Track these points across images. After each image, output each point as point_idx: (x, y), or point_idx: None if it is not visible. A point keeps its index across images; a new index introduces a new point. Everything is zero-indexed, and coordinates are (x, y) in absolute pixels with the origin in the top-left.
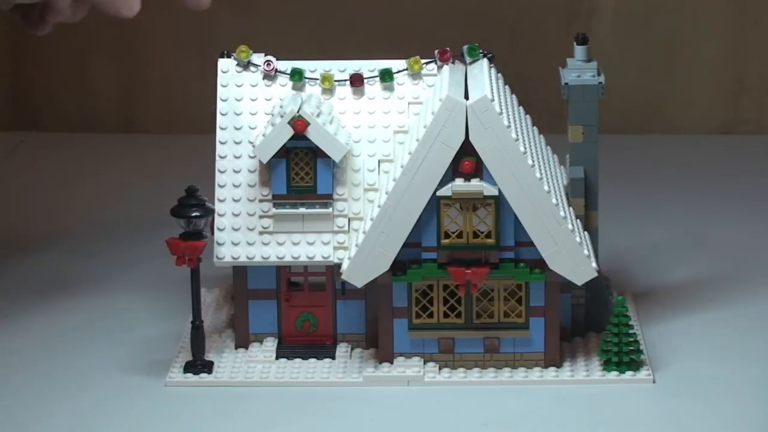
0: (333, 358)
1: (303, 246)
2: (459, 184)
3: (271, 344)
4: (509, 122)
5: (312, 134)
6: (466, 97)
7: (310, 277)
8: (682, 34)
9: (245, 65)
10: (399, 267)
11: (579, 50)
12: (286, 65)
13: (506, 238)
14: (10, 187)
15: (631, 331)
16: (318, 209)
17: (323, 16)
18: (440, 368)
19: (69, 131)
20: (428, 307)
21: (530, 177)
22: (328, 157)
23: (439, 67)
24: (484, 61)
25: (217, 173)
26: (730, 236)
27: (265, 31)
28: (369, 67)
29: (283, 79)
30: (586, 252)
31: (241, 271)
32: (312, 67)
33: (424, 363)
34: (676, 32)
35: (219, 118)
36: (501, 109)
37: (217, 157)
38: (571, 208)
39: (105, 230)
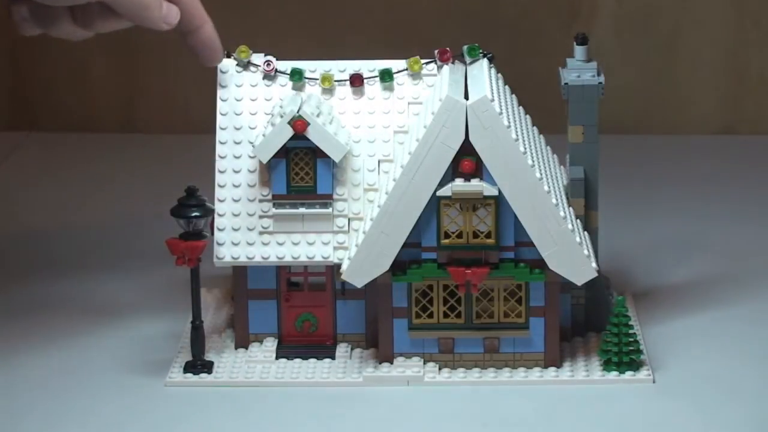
0: (333, 358)
1: (303, 246)
2: (459, 184)
3: (271, 344)
4: (509, 122)
5: (312, 134)
6: (466, 97)
7: (310, 277)
8: (682, 34)
9: (245, 65)
10: (399, 267)
11: (579, 50)
12: (286, 65)
13: (506, 238)
14: (10, 187)
15: (631, 331)
16: (318, 209)
17: (323, 16)
18: (440, 368)
19: (69, 131)
20: (428, 307)
21: (530, 177)
22: (328, 157)
23: (439, 67)
24: (484, 61)
25: (217, 173)
26: (730, 236)
27: (265, 31)
28: (369, 67)
29: (283, 79)
30: (586, 252)
31: (241, 271)
32: (312, 67)
33: (424, 363)
34: (676, 32)
35: (219, 118)
36: (501, 109)
37: (217, 157)
38: (571, 208)
39: (105, 230)
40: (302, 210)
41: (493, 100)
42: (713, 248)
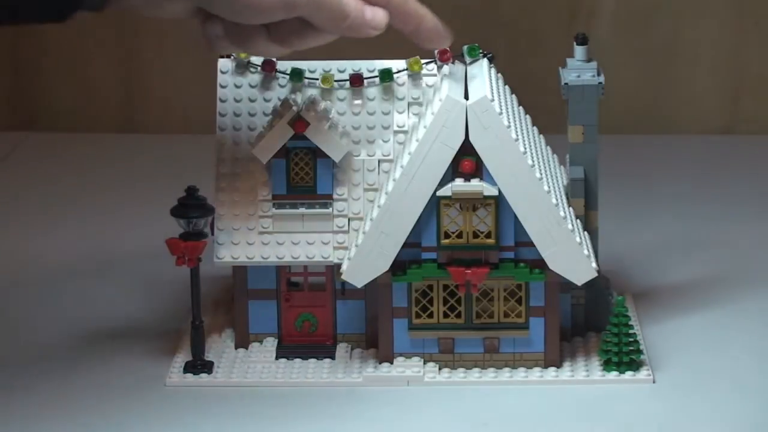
0: (333, 358)
1: (303, 246)
2: (459, 184)
3: (271, 344)
4: (509, 122)
5: (312, 134)
6: (466, 97)
7: (310, 277)
8: (682, 34)
9: (245, 65)
10: (399, 267)
11: (579, 50)
12: (286, 65)
13: (506, 238)
14: (10, 187)
15: (631, 331)
16: (318, 209)
17: None
18: (440, 368)
19: (69, 131)
20: (428, 307)
21: (530, 177)
22: (328, 157)
23: (439, 67)
24: (484, 61)
25: (217, 173)
26: (730, 236)
27: None
28: (369, 67)
29: (283, 79)
30: (586, 252)
31: (241, 271)
32: (312, 67)
33: (424, 363)
34: (676, 32)
35: (218, 118)
36: (501, 109)
37: (217, 158)
38: (571, 208)
39: (104, 230)
40: (302, 210)
41: (493, 100)
42: (713, 248)
